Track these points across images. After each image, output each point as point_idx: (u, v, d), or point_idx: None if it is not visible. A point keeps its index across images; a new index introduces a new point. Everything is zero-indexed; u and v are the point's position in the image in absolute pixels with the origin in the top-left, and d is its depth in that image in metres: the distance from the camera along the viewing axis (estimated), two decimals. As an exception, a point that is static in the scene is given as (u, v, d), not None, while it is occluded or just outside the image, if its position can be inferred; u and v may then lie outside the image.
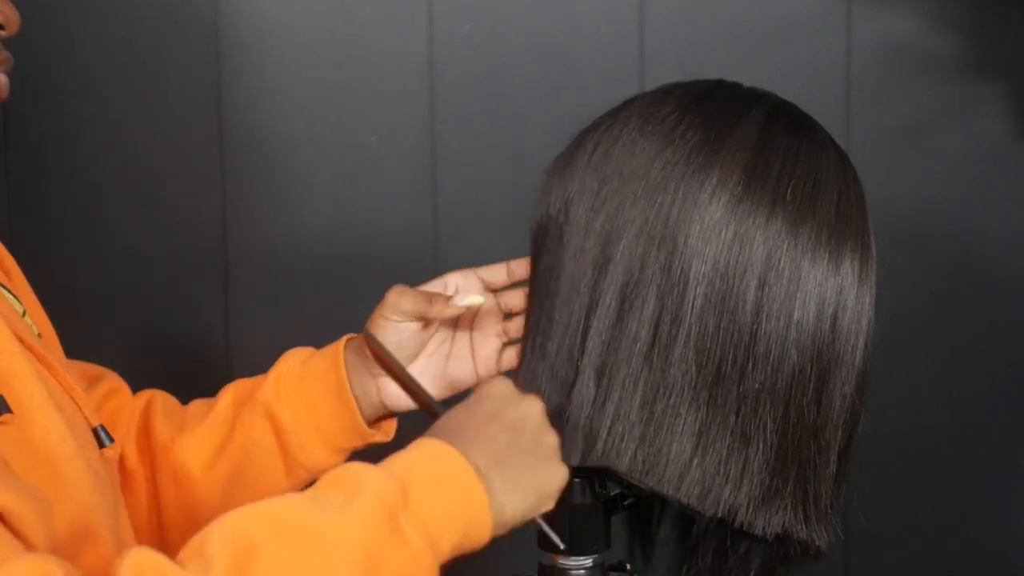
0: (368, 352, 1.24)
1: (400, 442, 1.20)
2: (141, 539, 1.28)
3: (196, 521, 1.27)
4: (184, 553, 0.95)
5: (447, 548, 0.99)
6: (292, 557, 0.93)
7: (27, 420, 1.07)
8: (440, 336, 1.28)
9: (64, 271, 1.67)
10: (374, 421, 1.28)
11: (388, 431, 1.28)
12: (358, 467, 1.00)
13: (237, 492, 1.28)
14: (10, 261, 1.24)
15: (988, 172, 1.71)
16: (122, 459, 1.31)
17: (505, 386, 1.09)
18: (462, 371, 1.28)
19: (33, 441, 1.07)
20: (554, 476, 1.06)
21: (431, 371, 1.27)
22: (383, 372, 1.24)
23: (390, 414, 1.28)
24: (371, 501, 0.96)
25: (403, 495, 0.98)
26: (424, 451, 1.01)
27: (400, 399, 1.25)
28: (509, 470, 1.03)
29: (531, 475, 1.05)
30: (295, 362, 1.30)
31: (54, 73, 1.65)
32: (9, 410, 1.06)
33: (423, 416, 1.19)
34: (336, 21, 1.66)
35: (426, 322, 1.25)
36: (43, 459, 1.07)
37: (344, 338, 1.29)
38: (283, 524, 0.95)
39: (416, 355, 1.26)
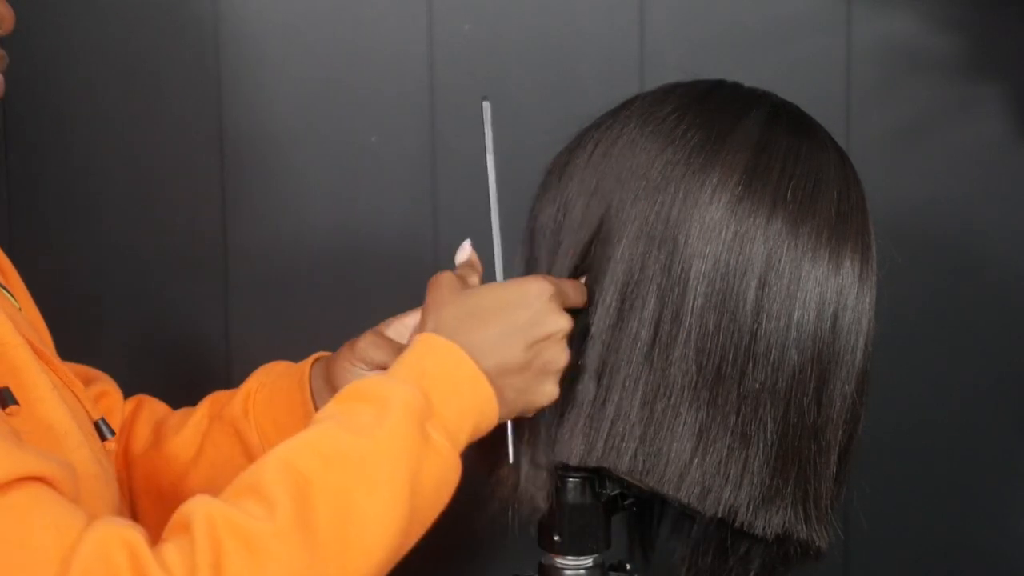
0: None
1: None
2: None
3: None
4: (234, 493, 0.99)
5: (464, 442, 1.05)
6: (344, 482, 0.98)
7: (33, 412, 1.08)
8: None
9: (64, 271, 1.67)
10: None
11: None
12: (378, 381, 1.05)
13: None
14: (6, 262, 1.24)
15: (988, 172, 1.71)
16: None
17: (545, 292, 1.09)
18: None
19: (39, 433, 1.07)
20: (546, 397, 1.10)
21: None
22: None
23: None
24: (402, 416, 1.02)
25: (427, 403, 1.03)
26: (434, 352, 1.06)
27: None
28: (511, 383, 1.08)
29: (527, 392, 1.09)
30: (265, 379, 1.29)
31: (54, 73, 1.65)
32: (15, 402, 1.06)
33: None
34: (336, 21, 1.66)
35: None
36: (50, 449, 1.07)
37: (311, 358, 1.28)
38: (328, 453, 1.00)
39: None
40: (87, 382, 1.32)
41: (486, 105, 1.15)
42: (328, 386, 1.25)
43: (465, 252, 1.20)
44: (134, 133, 1.67)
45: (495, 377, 1.07)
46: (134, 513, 1.30)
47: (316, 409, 1.24)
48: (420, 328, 1.10)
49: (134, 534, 0.95)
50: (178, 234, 1.69)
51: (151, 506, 1.29)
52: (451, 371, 1.05)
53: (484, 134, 1.15)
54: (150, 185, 1.68)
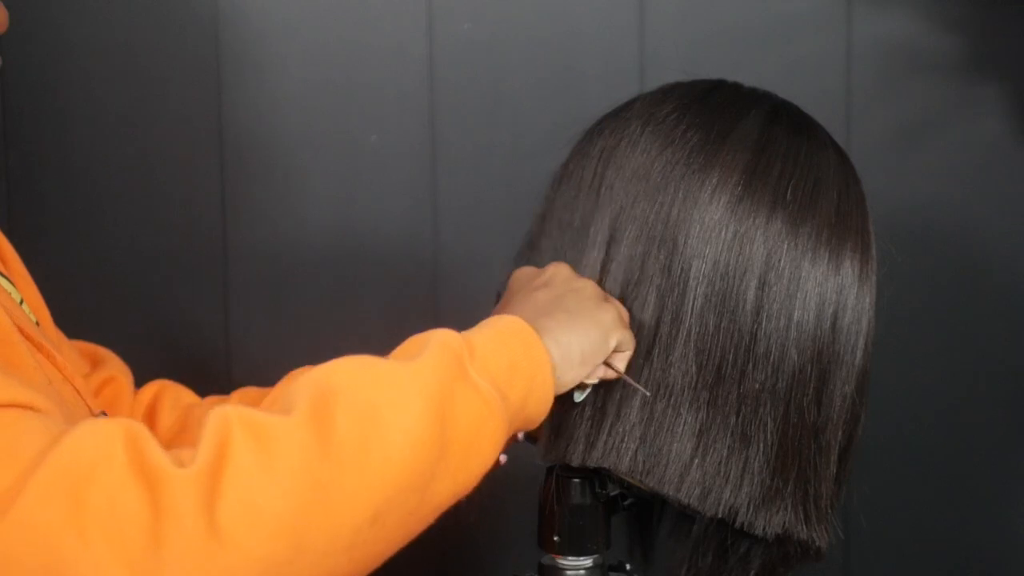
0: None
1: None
2: None
3: None
4: (265, 406, 0.97)
5: (515, 400, 1.02)
6: (369, 396, 0.95)
7: (28, 410, 1.06)
8: None
9: (63, 271, 1.67)
10: None
11: None
12: (425, 332, 1.03)
13: None
14: (8, 249, 1.24)
15: (988, 172, 1.71)
16: None
17: (564, 268, 1.12)
18: None
19: (33, 433, 1.06)
20: (606, 312, 1.09)
21: None
22: None
23: None
24: (438, 348, 0.99)
25: (468, 346, 1.01)
26: (486, 320, 1.05)
27: None
28: (560, 314, 1.07)
29: (586, 315, 1.08)
30: None
31: (54, 73, 1.65)
32: None
33: None
34: (336, 21, 1.66)
35: None
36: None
37: None
38: (360, 371, 0.97)
39: None
40: (95, 364, 1.31)
41: None
42: None
43: None
44: (134, 133, 1.67)
45: (544, 316, 1.06)
46: None
47: None
48: None
49: (135, 424, 0.91)
50: (178, 234, 1.69)
51: None
52: (504, 329, 1.04)
53: None
54: (150, 185, 1.68)
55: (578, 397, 1.11)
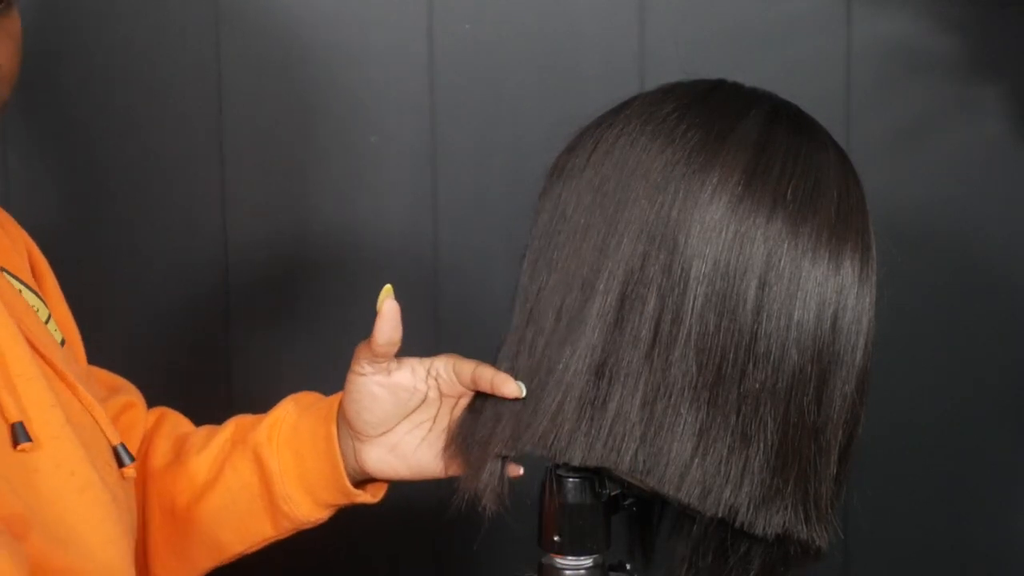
0: None
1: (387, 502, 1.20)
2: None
3: (178, 553, 1.26)
4: None
5: None
6: None
7: (42, 450, 1.05)
8: (422, 418, 1.22)
9: (64, 271, 1.67)
10: (362, 482, 1.24)
11: (376, 493, 1.25)
12: None
13: (220, 531, 1.26)
14: (42, 263, 1.23)
15: (988, 172, 1.71)
16: None
17: None
18: (429, 460, 1.22)
19: (46, 472, 1.05)
20: None
21: (401, 448, 1.22)
22: (365, 438, 1.21)
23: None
24: None
25: None
26: None
27: (382, 468, 1.21)
28: None
29: None
30: (293, 409, 1.26)
31: (54, 73, 1.65)
32: (29, 438, 1.04)
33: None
34: (336, 21, 1.66)
35: (385, 363, 1.18)
36: (48, 499, 1.05)
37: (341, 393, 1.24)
38: None
39: (394, 420, 1.21)
40: (113, 391, 1.31)
41: None
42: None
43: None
44: (134, 133, 1.67)
45: None
46: (144, 527, 1.27)
47: (339, 445, 1.22)
48: None
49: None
50: (178, 234, 1.69)
51: (164, 523, 1.27)
52: None
53: None
54: (150, 185, 1.68)
55: None
